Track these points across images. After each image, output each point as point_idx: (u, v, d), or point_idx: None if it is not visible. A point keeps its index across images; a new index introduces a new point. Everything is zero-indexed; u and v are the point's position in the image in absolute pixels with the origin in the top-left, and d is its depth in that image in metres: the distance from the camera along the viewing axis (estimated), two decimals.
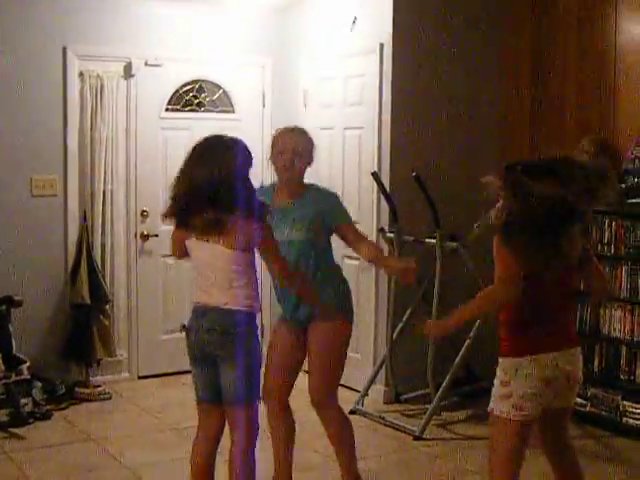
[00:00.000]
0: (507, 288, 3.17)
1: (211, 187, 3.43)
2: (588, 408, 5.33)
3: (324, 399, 4.15)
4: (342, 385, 5.94)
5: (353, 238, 4.10)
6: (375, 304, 5.99)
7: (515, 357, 3.23)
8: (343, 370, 4.22)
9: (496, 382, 3.29)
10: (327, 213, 4.08)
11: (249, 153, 3.58)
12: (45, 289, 6.01)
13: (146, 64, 6.29)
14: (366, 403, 5.73)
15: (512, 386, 3.21)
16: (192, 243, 3.58)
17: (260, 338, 3.71)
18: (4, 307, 5.59)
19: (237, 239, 3.48)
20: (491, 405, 3.29)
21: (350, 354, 5.90)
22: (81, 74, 6.06)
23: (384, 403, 5.88)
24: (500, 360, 3.28)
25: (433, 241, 5.44)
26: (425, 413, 5.38)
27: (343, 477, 4.26)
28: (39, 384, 5.74)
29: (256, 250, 3.61)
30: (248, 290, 3.57)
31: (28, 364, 5.47)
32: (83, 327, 5.95)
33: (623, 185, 5.20)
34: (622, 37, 5.53)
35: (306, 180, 4.17)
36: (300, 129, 4.26)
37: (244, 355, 3.51)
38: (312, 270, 4.05)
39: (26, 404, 5.49)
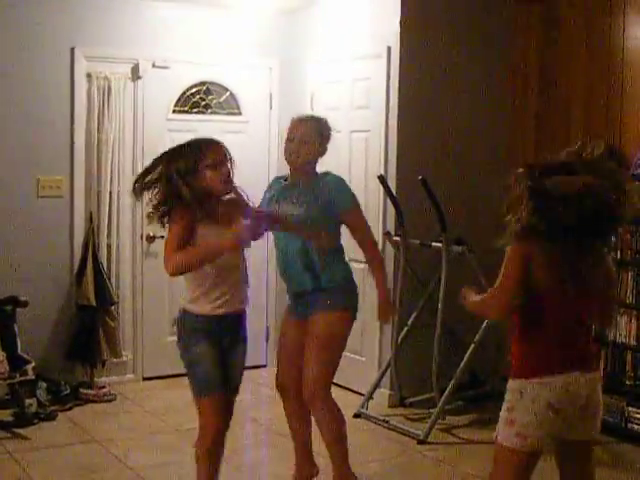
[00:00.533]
0: (498, 305, 2.95)
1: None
2: None
3: (319, 392, 4.05)
4: (346, 388, 6.00)
5: (358, 236, 4.20)
6: None
7: (521, 378, 2.93)
8: (338, 364, 4.17)
9: (503, 406, 2.99)
10: (330, 201, 4.07)
11: (194, 150, 3.59)
12: (51, 290, 6.02)
13: (153, 66, 6.29)
14: (370, 406, 5.73)
15: (516, 412, 2.91)
16: None
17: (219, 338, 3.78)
18: (9, 307, 5.60)
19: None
20: (497, 429, 2.98)
21: (355, 357, 5.98)
22: (89, 75, 6.07)
23: (388, 407, 5.86)
24: (508, 382, 3.00)
25: (439, 245, 5.43)
26: (429, 417, 5.38)
27: (335, 476, 4.20)
28: (44, 385, 5.75)
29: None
30: (189, 289, 3.81)
31: (33, 364, 5.47)
32: (88, 328, 5.95)
33: None
34: (630, 42, 5.51)
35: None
36: (311, 117, 4.26)
37: (182, 353, 3.82)
38: (311, 253, 4.04)
39: (31, 404, 5.49)
